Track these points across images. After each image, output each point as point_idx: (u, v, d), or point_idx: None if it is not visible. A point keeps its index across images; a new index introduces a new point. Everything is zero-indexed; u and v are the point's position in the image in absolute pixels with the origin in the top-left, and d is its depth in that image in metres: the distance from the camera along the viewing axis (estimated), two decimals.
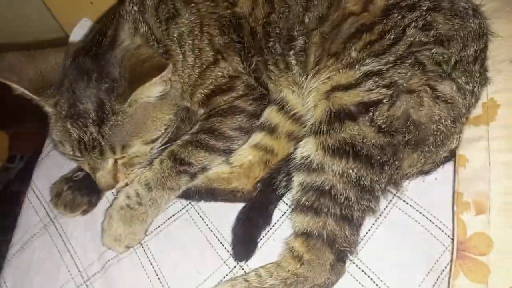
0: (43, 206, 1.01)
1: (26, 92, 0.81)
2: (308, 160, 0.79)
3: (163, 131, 0.87)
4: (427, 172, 0.86)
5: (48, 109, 0.84)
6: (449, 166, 0.85)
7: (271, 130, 0.95)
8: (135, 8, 0.91)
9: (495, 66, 0.85)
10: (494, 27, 0.88)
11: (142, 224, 0.88)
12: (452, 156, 0.84)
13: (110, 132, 0.80)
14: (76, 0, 1.34)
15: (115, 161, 0.86)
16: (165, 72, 0.78)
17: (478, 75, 0.82)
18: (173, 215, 0.93)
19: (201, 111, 0.96)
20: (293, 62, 0.90)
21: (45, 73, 0.84)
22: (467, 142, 0.82)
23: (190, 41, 0.91)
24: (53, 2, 1.38)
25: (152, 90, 0.82)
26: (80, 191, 0.94)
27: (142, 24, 0.90)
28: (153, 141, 0.87)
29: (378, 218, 0.85)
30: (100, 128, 0.79)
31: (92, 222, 0.95)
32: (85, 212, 0.95)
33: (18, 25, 1.56)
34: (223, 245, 0.87)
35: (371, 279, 0.79)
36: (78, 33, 1.25)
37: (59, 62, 0.85)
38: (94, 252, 0.91)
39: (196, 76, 0.92)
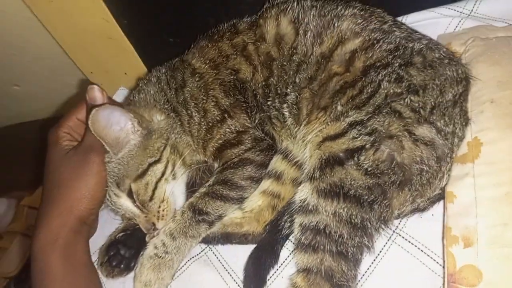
0: None
1: None
2: (305, 202, 0.87)
3: (145, 167, 0.95)
4: (423, 210, 0.91)
5: None
6: None
7: (278, 177, 1.05)
8: (153, 79, 1.08)
9: (478, 107, 0.91)
10: (476, 71, 0.94)
11: (169, 270, 0.96)
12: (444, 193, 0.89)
13: (109, 178, 0.93)
14: (113, 72, 1.54)
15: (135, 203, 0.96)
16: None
17: (459, 117, 0.89)
18: (193, 257, 1.04)
19: (216, 164, 1.07)
20: (287, 114, 1.00)
21: None
22: (455, 179, 0.88)
23: (193, 104, 1.04)
24: (93, 75, 1.60)
25: None
26: (119, 264, 1.03)
27: (157, 87, 1.07)
28: (140, 176, 0.95)
29: (378, 254, 0.91)
30: None
31: None
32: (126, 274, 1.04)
33: (62, 97, 1.79)
34: (236, 283, 0.96)
35: None
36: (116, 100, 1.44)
37: None
38: None
39: (204, 131, 1.03)
